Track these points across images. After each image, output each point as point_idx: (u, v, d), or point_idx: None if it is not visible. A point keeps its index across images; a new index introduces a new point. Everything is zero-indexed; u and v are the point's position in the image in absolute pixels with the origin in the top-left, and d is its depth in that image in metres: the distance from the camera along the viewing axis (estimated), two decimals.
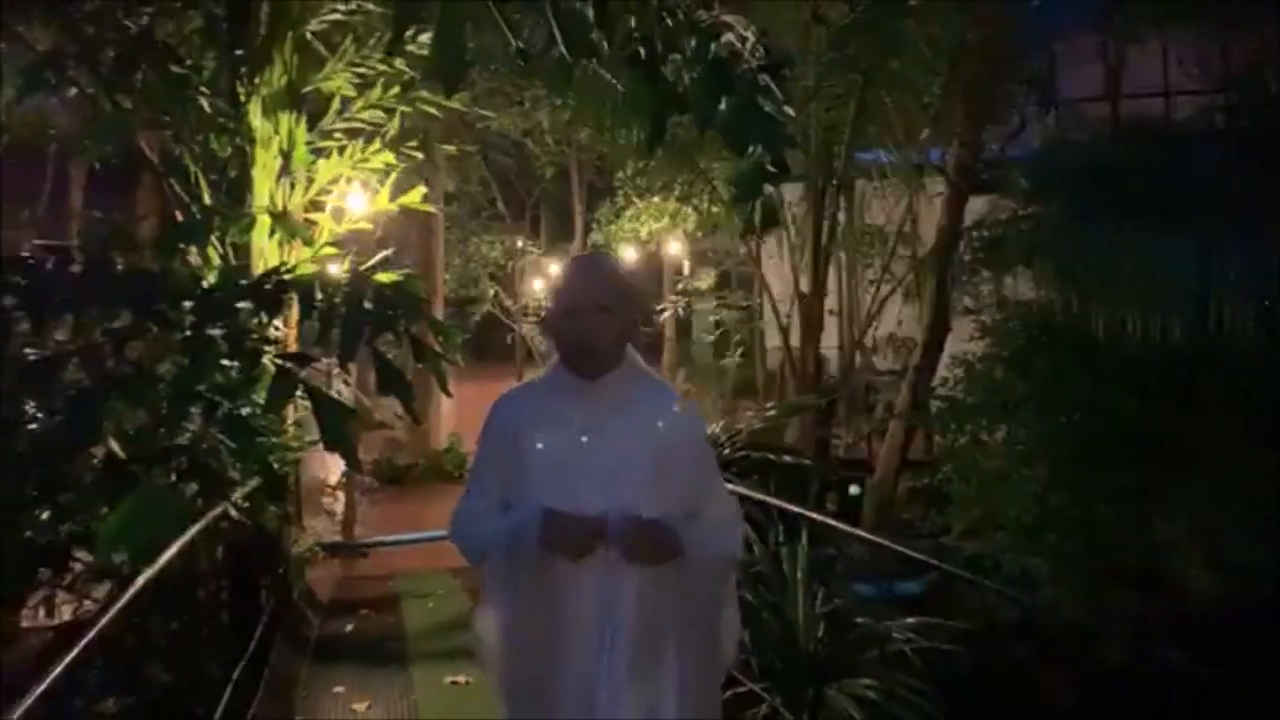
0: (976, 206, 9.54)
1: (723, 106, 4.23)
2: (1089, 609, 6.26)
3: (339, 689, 4.70)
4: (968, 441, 7.84)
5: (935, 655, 4.84)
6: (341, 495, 9.56)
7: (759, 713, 4.21)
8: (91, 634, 2.38)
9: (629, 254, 12.55)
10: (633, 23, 3.74)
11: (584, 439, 1.95)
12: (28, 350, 3.74)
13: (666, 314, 13.69)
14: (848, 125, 8.27)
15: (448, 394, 3.68)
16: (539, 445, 1.96)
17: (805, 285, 8.78)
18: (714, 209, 9.96)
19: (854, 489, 9.35)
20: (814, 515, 5.12)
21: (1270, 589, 5.97)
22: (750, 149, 4.33)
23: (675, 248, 13.24)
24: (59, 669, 2.04)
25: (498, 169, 11.40)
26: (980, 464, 7.54)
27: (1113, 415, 6.41)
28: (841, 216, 10.35)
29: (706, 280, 13.59)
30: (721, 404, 12.31)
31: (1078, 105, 13.90)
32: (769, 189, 4.55)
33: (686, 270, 13.82)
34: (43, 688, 1.94)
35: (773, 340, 12.20)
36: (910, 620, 5.88)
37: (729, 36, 4.29)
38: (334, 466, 9.56)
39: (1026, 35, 12.23)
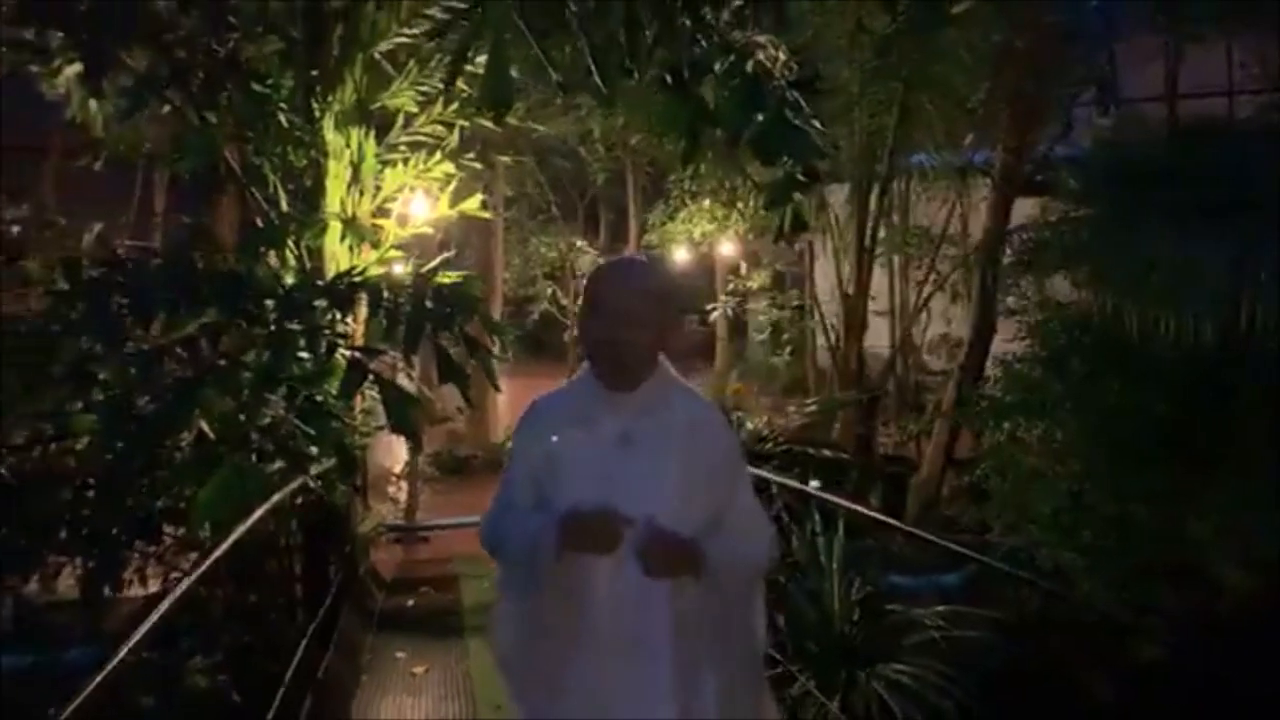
0: (1026, 208, 9.68)
1: (756, 120, 4.56)
2: (1122, 603, 6.43)
3: (400, 654, 5.14)
4: (1005, 439, 8.02)
5: (967, 644, 5.09)
6: (404, 484, 10.07)
7: (792, 692, 4.49)
8: (183, 587, 2.78)
9: (681, 254, 12.88)
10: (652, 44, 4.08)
11: (616, 448, 1.93)
12: (130, 343, 4.24)
13: (716, 314, 13.99)
14: (891, 130, 8.50)
15: (496, 388, 4.07)
16: (570, 454, 1.94)
17: (849, 285, 9.03)
18: (761, 212, 10.23)
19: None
20: (850, 505, 5.40)
21: None
22: (781, 160, 4.67)
23: (727, 248, 13.53)
24: (152, 620, 2.39)
25: (553, 173, 11.81)
26: (1017, 461, 7.73)
27: (1146, 415, 6.57)
28: (892, 218, 10.60)
29: (758, 280, 13.85)
30: (770, 401, 12.57)
31: (1135, 105, 13.84)
32: (800, 196, 4.90)
33: (743, 270, 14.08)
34: (134, 640, 2.26)
35: (823, 339, 12.43)
36: (940, 609, 6.12)
37: (760, 55, 4.62)
38: (398, 457, 10.09)
39: (1079, 37, 12.28)
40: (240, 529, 3.02)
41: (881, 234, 10.00)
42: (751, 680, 2.04)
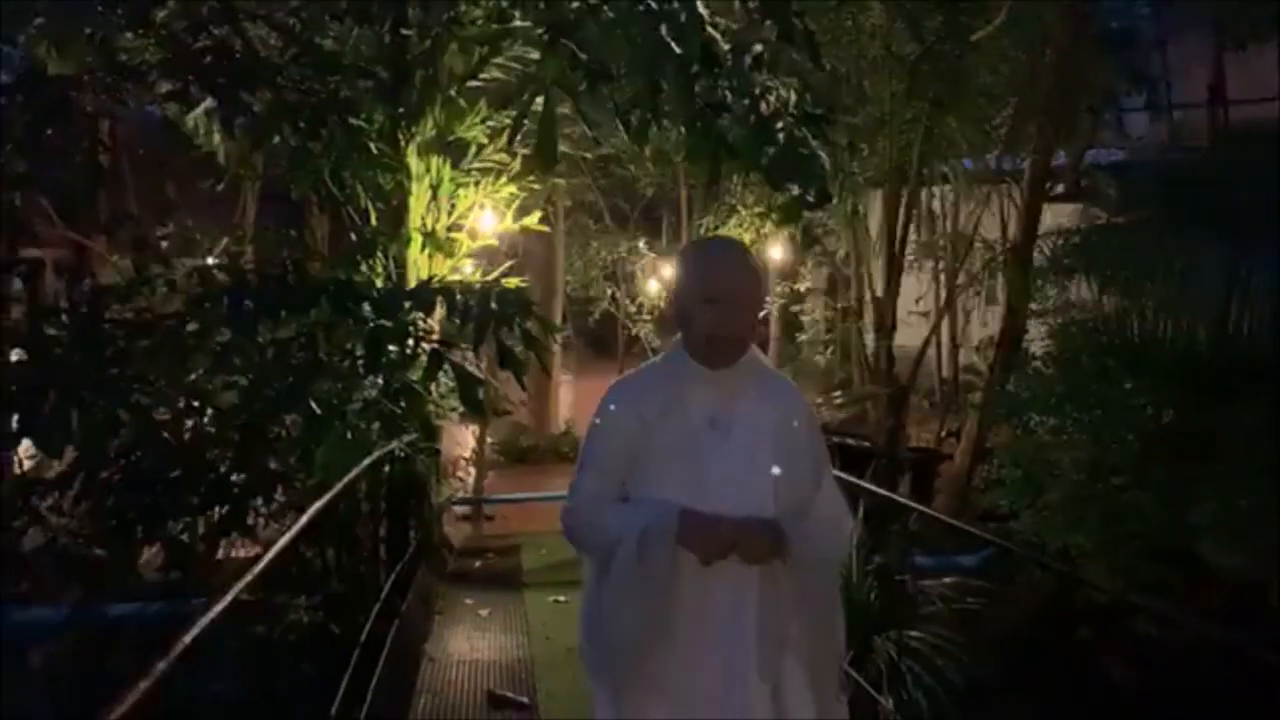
0: (1065, 214, 10.26)
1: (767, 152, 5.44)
2: (1127, 583, 7.05)
3: (468, 601, 6.11)
4: (1021, 432, 8.69)
5: (972, 614, 5.79)
6: (473, 469, 11.09)
7: None
8: (301, 522, 3.68)
9: None
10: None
11: (706, 431, 1.92)
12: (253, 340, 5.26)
13: (763, 313, 14.80)
14: (917, 145, 9.23)
15: (548, 374, 4.95)
16: (659, 435, 1.91)
17: (879, 288, 9.78)
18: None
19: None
20: (871, 486, 6.14)
21: None
22: (788, 185, 5.54)
23: (778, 252, 14.31)
24: (263, 563, 3.19)
25: (611, 183, 12.71)
26: (1030, 452, 8.40)
27: (1150, 409, 7.21)
28: (919, 226, 11.29)
29: (807, 281, 14.62)
30: (815, 398, 13.36)
31: (1182, 111, 14.15)
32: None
33: (806, 272, 14.83)
34: (255, 572, 3.03)
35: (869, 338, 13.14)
36: (948, 580, 6.84)
37: (771, 96, 5.48)
38: (467, 444, 11.13)
39: (1125, 43, 12.72)
40: (348, 477, 3.98)
41: (913, 240, 10.77)
42: (833, 670, 2.03)
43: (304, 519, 3.54)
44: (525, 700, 4.21)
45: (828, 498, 2.03)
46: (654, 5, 4.25)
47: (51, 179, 5.03)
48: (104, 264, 7.21)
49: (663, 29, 4.31)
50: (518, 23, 5.19)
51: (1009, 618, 6.84)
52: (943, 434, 13.12)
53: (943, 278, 11.98)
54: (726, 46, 5.34)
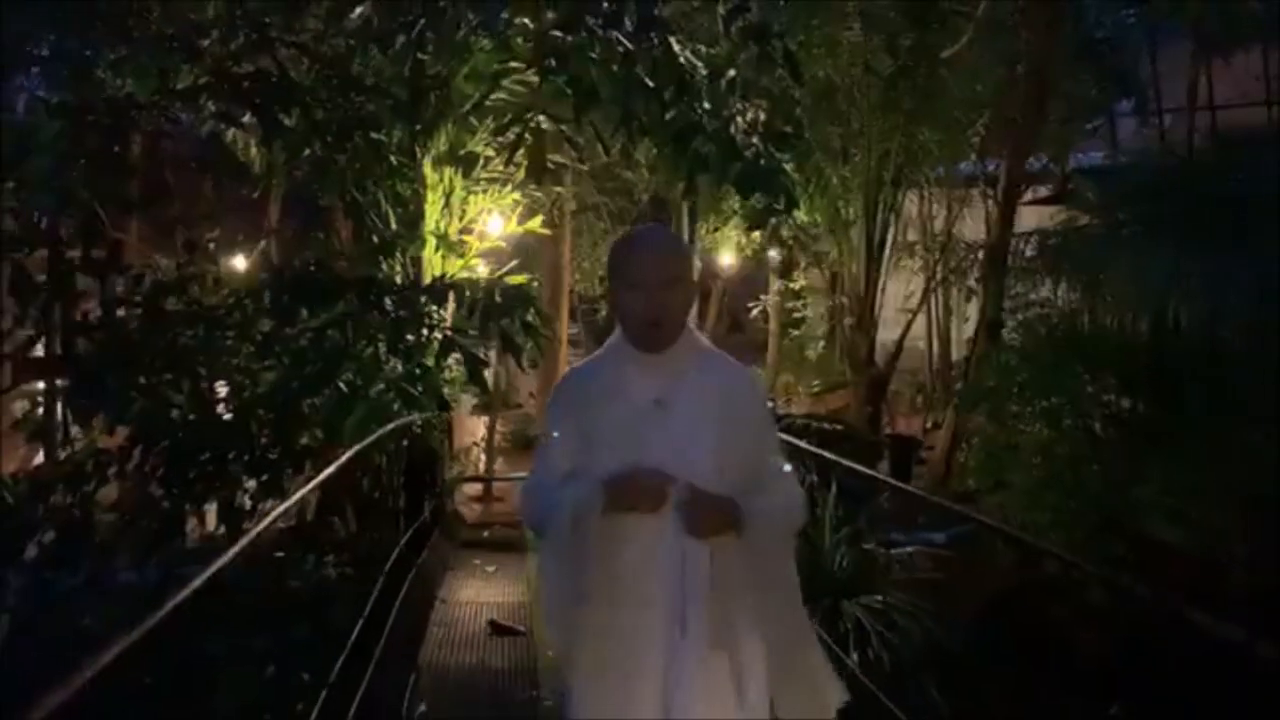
0: (1050, 216, 10.95)
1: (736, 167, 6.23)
2: (1081, 555, 7.73)
3: (476, 561, 6.92)
4: (987, 419, 9.42)
5: (943, 585, 6.45)
6: (483, 455, 11.91)
7: None
8: (328, 471, 4.49)
9: (728, 258, 14.53)
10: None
11: (650, 412, 1.96)
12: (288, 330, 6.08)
13: (757, 311, 15.60)
14: (893, 154, 10.00)
15: (534, 365, 5.71)
16: (606, 419, 1.98)
17: (858, 285, 10.55)
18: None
19: None
20: (843, 461, 6.78)
21: (1231, 542, 7.32)
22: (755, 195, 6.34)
23: (774, 253, 15.09)
24: (296, 498, 4.01)
25: (614, 188, 13.44)
26: (995, 437, 9.13)
27: (1102, 397, 7.92)
28: (910, 227, 12.05)
29: (801, 281, 15.36)
30: (801, 387, 14.15)
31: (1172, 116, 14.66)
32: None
33: (800, 272, 15.57)
34: (279, 513, 3.84)
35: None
36: (909, 549, 7.56)
37: (740, 119, 6.27)
38: (477, 432, 11.95)
39: (1099, 59, 13.32)
40: (375, 435, 4.78)
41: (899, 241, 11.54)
42: (798, 628, 2.07)
43: (332, 467, 4.34)
44: (522, 629, 5.00)
45: (777, 470, 2.09)
46: (630, 46, 5.03)
47: (115, 188, 5.81)
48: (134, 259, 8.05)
49: (639, 66, 5.08)
50: (514, 63, 5.98)
51: (972, 587, 7.55)
52: (928, 425, 13.87)
53: (921, 276, 12.70)
54: (705, 72, 6.15)
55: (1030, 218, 10.83)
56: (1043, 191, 12.59)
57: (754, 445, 2.03)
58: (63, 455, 6.60)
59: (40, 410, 7.51)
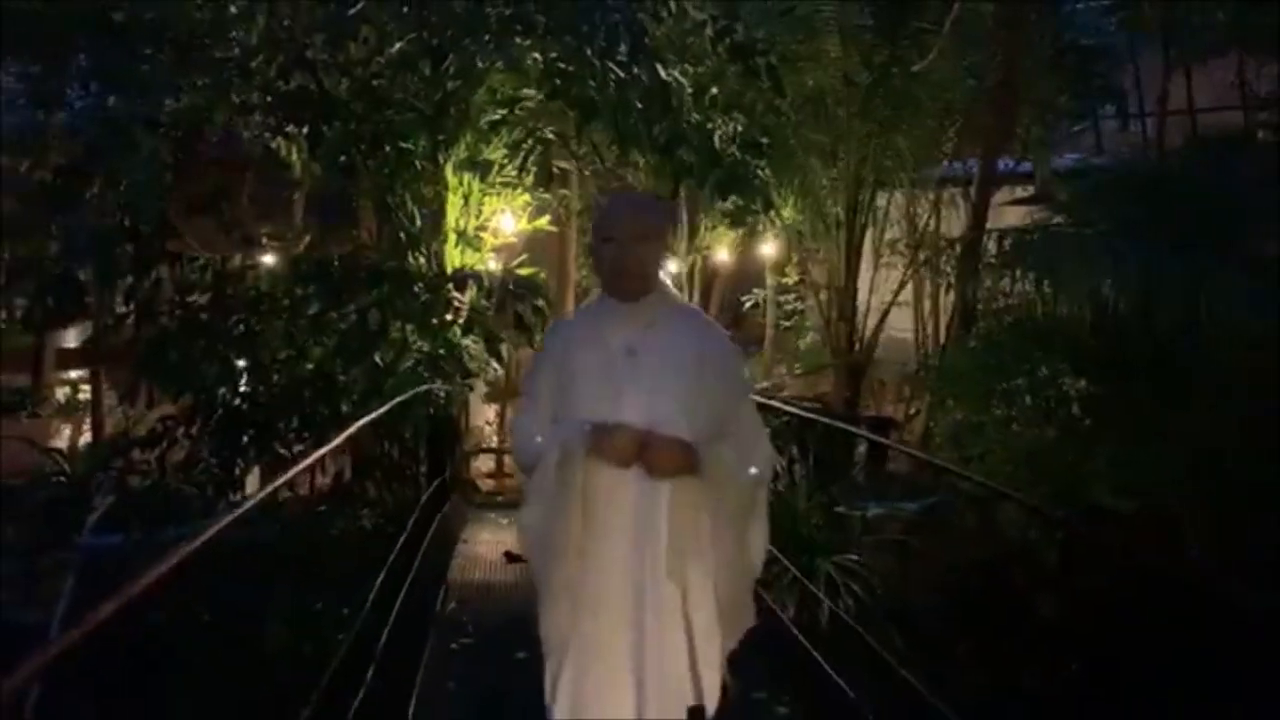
0: (1026, 214, 11.83)
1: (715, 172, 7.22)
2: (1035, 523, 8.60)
3: (491, 515, 7.92)
4: (954, 400, 10.33)
5: (912, 548, 7.31)
6: (495, 436, 12.94)
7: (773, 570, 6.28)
8: (360, 423, 5.47)
9: (724, 255, 15.53)
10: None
11: (623, 357, 2.10)
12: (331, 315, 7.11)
13: (750, 304, 16.60)
14: (870, 160, 10.93)
15: (532, 347, 6.71)
16: (582, 365, 2.12)
17: (839, 279, 11.51)
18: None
19: None
20: (821, 418, 7.54)
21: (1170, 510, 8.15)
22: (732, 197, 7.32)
23: (769, 248, 16.07)
24: (333, 445, 4.95)
25: (619, 190, 14.48)
26: (956, 417, 10.04)
27: (1057, 380, 8.81)
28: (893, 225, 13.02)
29: (793, 276, 16.34)
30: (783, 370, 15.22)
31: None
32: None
33: (792, 267, 16.55)
34: (310, 460, 4.74)
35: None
36: (875, 512, 8.44)
37: (719, 132, 7.25)
38: (491, 414, 13.00)
39: (1081, 64, 14.14)
40: (405, 395, 5.79)
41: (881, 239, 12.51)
42: (739, 589, 2.19)
43: (369, 416, 5.32)
44: None
45: (746, 422, 2.21)
46: (621, 74, 6.04)
47: (188, 190, 6.85)
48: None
49: (629, 90, 6.10)
50: (526, 90, 7.01)
51: (937, 549, 8.45)
52: (911, 411, 14.81)
53: (900, 271, 13.61)
54: (690, 90, 7.15)
55: (1012, 216, 11.68)
56: (1028, 191, 13.50)
57: (723, 397, 2.15)
58: (109, 433, 7.61)
59: (80, 394, 8.45)
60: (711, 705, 2.11)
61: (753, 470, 2.17)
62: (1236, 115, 14.20)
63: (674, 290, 2.42)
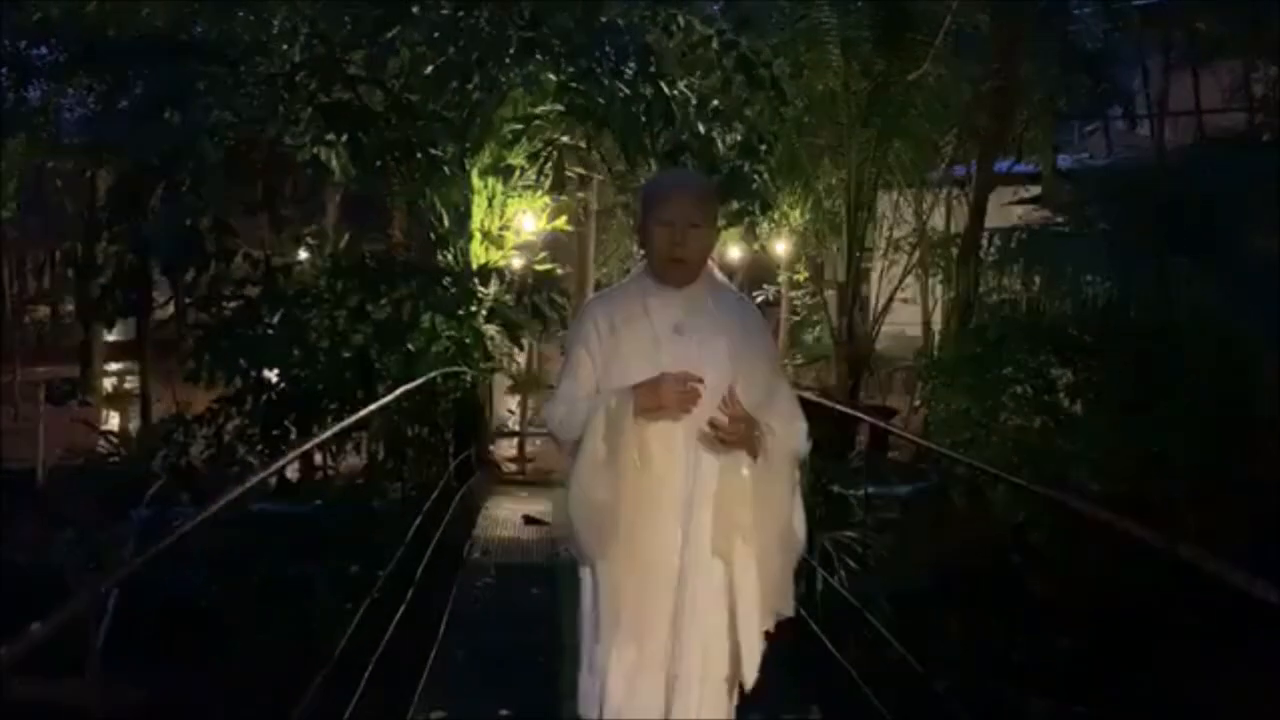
0: (1017, 213, 12.45)
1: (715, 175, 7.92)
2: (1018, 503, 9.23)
3: (512, 490, 8.70)
4: (947, 389, 10.98)
5: (891, 522, 8.00)
6: (516, 424, 13.73)
7: None
8: (395, 395, 6.23)
9: (736, 252, 16.27)
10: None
11: (670, 335, 2.12)
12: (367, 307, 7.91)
13: (761, 299, 17.31)
14: (869, 165, 11.60)
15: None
16: (628, 342, 2.13)
17: (841, 276, 12.21)
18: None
19: None
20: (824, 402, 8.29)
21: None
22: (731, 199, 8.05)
23: (781, 247, 16.78)
24: (364, 413, 5.73)
25: (632, 189, 15.26)
26: (947, 403, 10.68)
27: (1043, 370, 9.46)
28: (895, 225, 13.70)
29: (802, 273, 17.03)
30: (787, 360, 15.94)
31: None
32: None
33: (801, 265, 17.24)
34: (305, 444, 5.56)
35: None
36: (870, 491, 9.12)
37: (719, 140, 7.98)
38: (513, 404, 13.80)
39: (1087, 68, 14.65)
40: (434, 373, 6.56)
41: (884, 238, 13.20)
42: (785, 569, 2.20)
43: (400, 390, 6.06)
44: (549, 520, 6.77)
45: (784, 398, 2.24)
46: (628, 92, 6.79)
47: (245, 193, 7.68)
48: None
49: (635, 106, 6.86)
50: (542, 107, 7.80)
51: (928, 527, 9.09)
52: (916, 403, 15.44)
53: (898, 268, 14.27)
54: (694, 102, 7.89)
55: (1017, 216, 12.27)
56: (1033, 191, 14.08)
57: (763, 374, 2.19)
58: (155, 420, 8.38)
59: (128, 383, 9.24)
60: (750, 683, 2.16)
61: (793, 446, 2.20)
62: (1237, 116, 14.72)
63: (718, 273, 2.37)
